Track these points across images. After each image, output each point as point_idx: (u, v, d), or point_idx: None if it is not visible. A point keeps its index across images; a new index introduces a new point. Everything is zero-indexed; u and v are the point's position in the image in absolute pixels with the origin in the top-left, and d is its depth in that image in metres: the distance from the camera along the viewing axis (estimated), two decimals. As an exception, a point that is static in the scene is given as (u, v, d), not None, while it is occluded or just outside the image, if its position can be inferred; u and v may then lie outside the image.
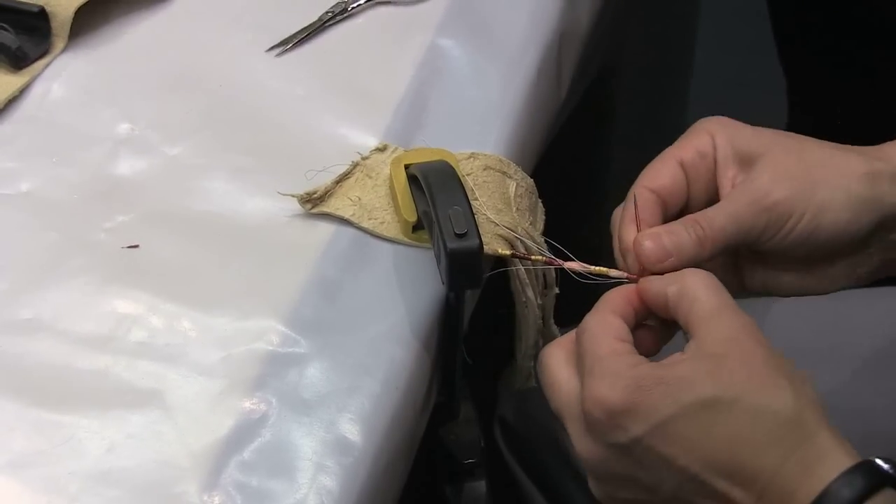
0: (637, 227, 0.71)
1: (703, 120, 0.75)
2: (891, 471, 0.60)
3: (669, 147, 0.75)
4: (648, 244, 0.69)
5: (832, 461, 0.61)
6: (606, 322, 0.67)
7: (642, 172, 0.74)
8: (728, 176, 0.72)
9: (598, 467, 0.66)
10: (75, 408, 0.70)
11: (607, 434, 0.64)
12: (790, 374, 0.63)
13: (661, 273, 0.69)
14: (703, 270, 0.68)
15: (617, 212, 0.74)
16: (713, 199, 0.74)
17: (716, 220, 0.70)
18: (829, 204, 0.70)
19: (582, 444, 0.66)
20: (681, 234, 0.70)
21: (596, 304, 0.69)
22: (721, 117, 0.75)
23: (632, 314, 0.69)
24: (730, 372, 0.62)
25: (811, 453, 0.61)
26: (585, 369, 0.65)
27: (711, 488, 0.62)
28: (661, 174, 0.73)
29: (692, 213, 0.74)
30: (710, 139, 0.73)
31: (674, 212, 0.73)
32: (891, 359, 0.93)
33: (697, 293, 0.66)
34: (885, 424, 0.90)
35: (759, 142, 0.72)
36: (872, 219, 0.71)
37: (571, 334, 0.69)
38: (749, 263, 0.75)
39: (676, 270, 0.69)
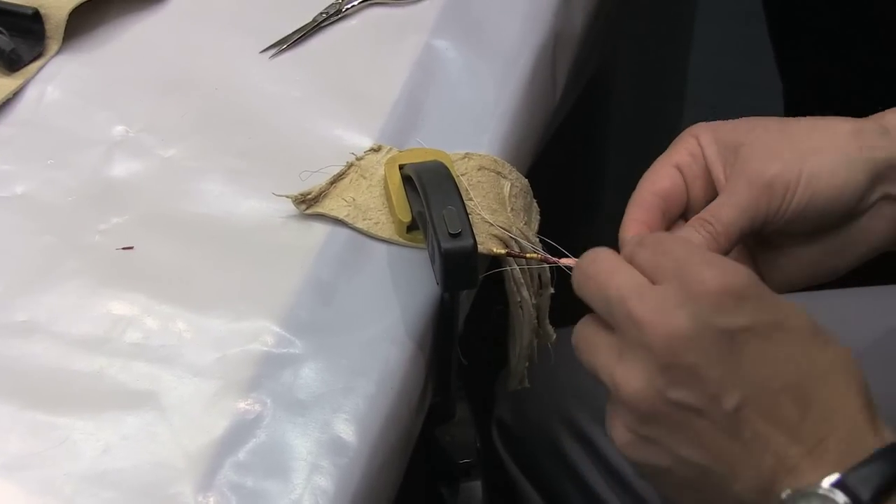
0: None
1: (686, 129, 0.76)
2: None
3: (661, 155, 0.75)
4: None
5: (890, 430, 0.60)
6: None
7: (641, 179, 0.74)
8: (719, 169, 0.73)
9: (674, 347, 0.60)
10: (70, 410, 0.70)
11: (715, 311, 0.59)
12: None
13: None
14: None
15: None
16: (713, 197, 0.74)
17: (722, 213, 0.70)
18: (820, 167, 0.70)
19: (663, 320, 0.60)
20: (693, 238, 0.70)
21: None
22: (702, 122, 0.75)
23: None
24: (822, 328, 0.62)
25: (877, 417, 0.60)
26: (687, 258, 0.61)
27: (781, 413, 0.59)
28: (660, 177, 0.73)
29: (695, 213, 0.74)
30: (696, 141, 0.74)
31: (676, 213, 0.74)
32: (888, 357, 0.93)
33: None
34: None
35: (739, 130, 0.73)
36: (866, 174, 0.71)
37: (614, 255, 0.65)
38: (766, 258, 0.74)
39: None
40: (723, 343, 0.59)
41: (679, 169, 0.73)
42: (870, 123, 0.72)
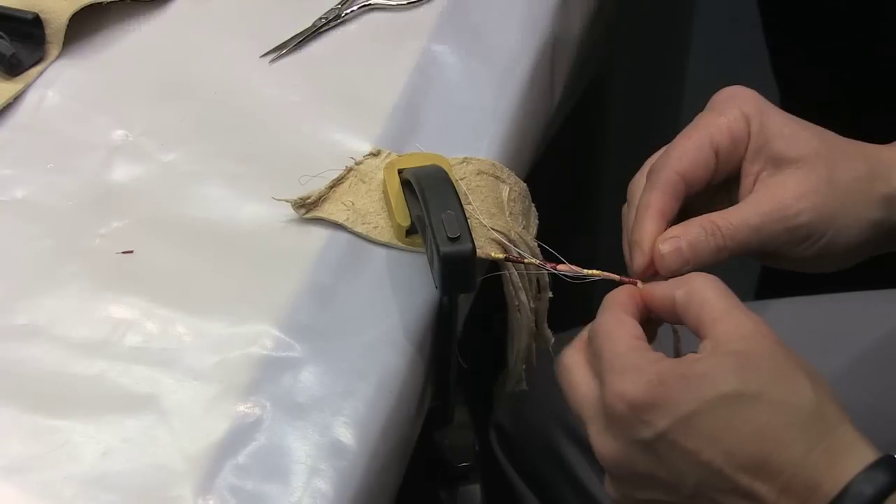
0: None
1: (735, 92, 0.74)
2: None
3: (701, 120, 0.73)
4: (668, 251, 0.69)
5: (857, 453, 0.60)
6: (621, 320, 0.67)
7: (673, 150, 0.72)
8: (753, 171, 0.72)
9: (619, 466, 0.65)
10: (71, 413, 0.70)
11: (630, 430, 0.63)
12: (807, 369, 0.63)
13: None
14: (708, 274, 0.67)
15: (634, 190, 0.73)
16: (732, 179, 0.73)
17: (739, 232, 0.70)
18: (847, 230, 0.71)
19: (602, 443, 0.65)
20: (700, 242, 0.69)
21: (603, 305, 0.68)
22: (752, 94, 0.73)
23: (637, 314, 0.68)
24: (753, 367, 0.62)
25: (835, 445, 0.61)
26: (604, 367, 0.65)
27: (734, 483, 0.61)
28: (694, 159, 0.71)
29: (708, 190, 0.73)
30: (745, 124, 0.72)
31: (694, 193, 0.72)
32: (886, 360, 0.94)
33: (706, 294, 0.65)
34: (878, 426, 0.90)
35: (793, 146, 0.71)
36: (879, 236, 0.72)
37: (585, 336, 0.68)
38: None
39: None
40: (651, 452, 0.63)
41: (716, 152, 0.71)
42: None
